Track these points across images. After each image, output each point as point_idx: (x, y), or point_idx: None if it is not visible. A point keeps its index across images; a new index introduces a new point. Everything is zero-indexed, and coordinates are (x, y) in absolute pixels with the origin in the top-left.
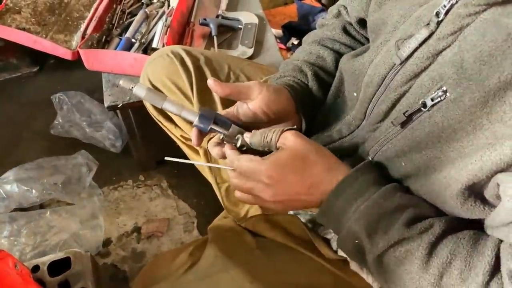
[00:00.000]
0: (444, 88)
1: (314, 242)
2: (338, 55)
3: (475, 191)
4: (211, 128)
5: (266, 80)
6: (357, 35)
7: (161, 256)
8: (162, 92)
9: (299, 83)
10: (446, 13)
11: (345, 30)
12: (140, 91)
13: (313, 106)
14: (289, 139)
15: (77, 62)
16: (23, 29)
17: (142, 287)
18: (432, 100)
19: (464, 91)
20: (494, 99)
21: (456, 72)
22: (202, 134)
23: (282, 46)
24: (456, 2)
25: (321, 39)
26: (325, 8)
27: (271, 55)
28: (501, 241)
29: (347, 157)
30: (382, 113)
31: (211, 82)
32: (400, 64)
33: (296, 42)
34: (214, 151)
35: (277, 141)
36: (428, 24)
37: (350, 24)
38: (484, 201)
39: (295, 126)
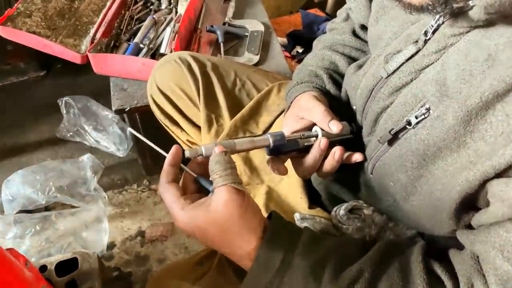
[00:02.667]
0: (427, 106)
1: None
2: (350, 58)
3: (469, 206)
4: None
5: (272, 88)
6: (366, 37)
7: (169, 267)
8: None
9: (317, 87)
10: (434, 32)
11: (354, 33)
12: (209, 150)
13: (335, 106)
14: (220, 199)
15: (83, 67)
16: (34, 32)
17: None
18: (416, 117)
19: (447, 109)
20: (476, 118)
21: (438, 90)
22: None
23: (287, 54)
24: (443, 22)
25: (332, 44)
26: (329, 17)
27: (276, 62)
28: (425, 263)
29: (358, 171)
30: (369, 126)
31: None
32: (386, 77)
33: (300, 50)
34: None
35: (215, 187)
36: (416, 41)
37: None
38: (478, 211)
39: (238, 186)
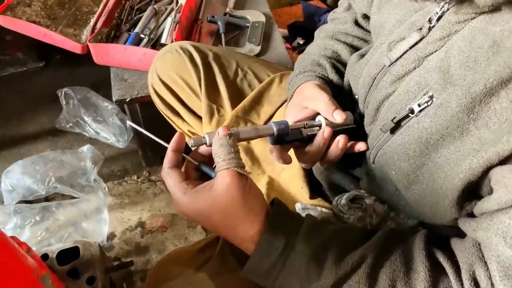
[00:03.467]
0: (430, 94)
1: None
2: (352, 48)
3: (472, 194)
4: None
5: (274, 78)
6: (368, 27)
7: (174, 253)
8: None
9: (320, 76)
10: (438, 19)
11: (356, 23)
12: (213, 137)
13: (338, 95)
14: (223, 183)
15: (82, 58)
16: (33, 22)
17: (156, 284)
18: (419, 105)
19: (450, 97)
20: (480, 105)
21: (442, 77)
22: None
23: (288, 45)
24: (448, 9)
25: (334, 33)
26: (330, 8)
27: (278, 53)
28: (429, 250)
29: (359, 160)
30: (371, 115)
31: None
32: (390, 65)
33: (301, 42)
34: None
35: (218, 171)
36: (420, 29)
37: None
38: (481, 199)
39: (241, 170)
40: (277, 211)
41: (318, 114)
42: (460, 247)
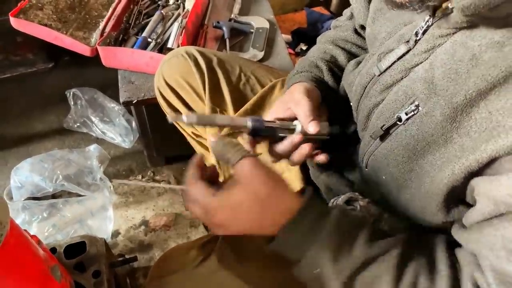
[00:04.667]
0: (416, 103)
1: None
2: (350, 54)
3: (457, 199)
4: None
5: (276, 83)
6: None
7: (175, 248)
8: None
9: (315, 77)
10: (424, 32)
11: (356, 32)
12: (191, 119)
13: (330, 98)
14: (245, 171)
15: (90, 59)
16: (45, 25)
17: (158, 278)
18: (406, 114)
19: (435, 106)
20: (462, 115)
21: (427, 87)
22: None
23: (291, 51)
24: (432, 24)
25: (334, 39)
26: (334, 15)
27: (280, 58)
28: (450, 252)
29: (354, 164)
30: (362, 122)
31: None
32: (379, 75)
33: (304, 48)
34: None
35: (234, 164)
36: (408, 41)
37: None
38: (468, 205)
39: (254, 153)
40: (312, 192)
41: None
42: (462, 254)
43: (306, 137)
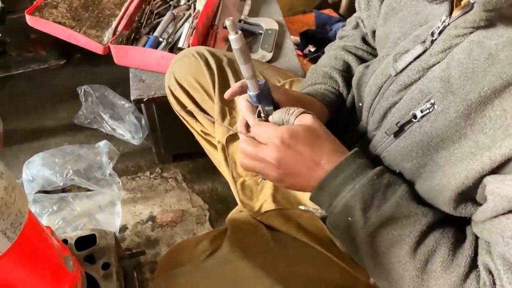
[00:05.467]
0: (432, 101)
1: (331, 235)
2: (362, 60)
3: (466, 196)
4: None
5: (284, 84)
6: (375, 44)
7: (185, 242)
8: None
9: (330, 89)
10: (440, 33)
11: (364, 40)
12: (236, 43)
13: (343, 107)
14: (307, 118)
15: (101, 57)
16: (59, 23)
17: (167, 270)
18: (421, 111)
19: (450, 104)
20: (476, 112)
21: (443, 86)
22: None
23: (299, 52)
24: (448, 24)
25: (345, 46)
26: (342, 18)
27: (289, 60)
28: (477, 237)
29: None
30: (376, 121)
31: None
32: (395, 75)
33: (312, 49)
34: (242, 103)
35: (295, 118)
36: (424, 41)
37: (367, 34)
38: (476, 204)
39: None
40: (359, 150)
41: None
42: (478, 240)
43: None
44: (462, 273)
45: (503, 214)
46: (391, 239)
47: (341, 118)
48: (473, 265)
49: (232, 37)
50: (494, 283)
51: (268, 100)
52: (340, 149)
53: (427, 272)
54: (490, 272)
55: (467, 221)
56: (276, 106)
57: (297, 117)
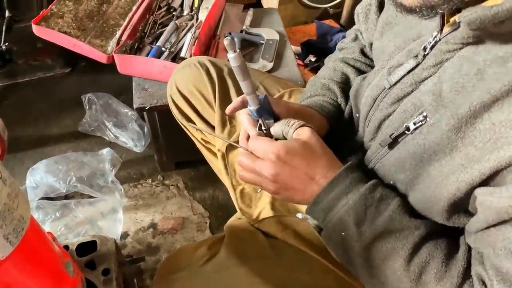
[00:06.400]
0: (424, 114)
1: (325, 243)
2: (360, 72)
3: (459, 207)
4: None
5: (283, 94)
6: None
7: (183, 248)
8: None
9: (329, 101)
10: (432, 48)
11: (363, 52)
12: (235, 61)
13: (342, 119)
14: (305, 132)
15: (106, 66)
16: (65, 32)
17: (166, 275)
18: (414, 124)
19: (441, 117)
20: (466, 125)
21: (435, 99)
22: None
23: (300, 62)
24: (440, 39)
25: (344, 58)
26: (343, 28)
27: (289, 70)
28: (470, 248)
29: None
30: (371, 132)
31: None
32: (389, 88)
33: (313, 59)
34: (243, 118)
35: (294, 132)
36: (416, 56)
37: (366, 46)
38: (468, 214)
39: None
40: (353, 164)
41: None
42: (471, 252)
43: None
44: (455, 283)
45: (493, 225)
46: (385, 252)
47: (340, 129)
48: (466, 275)
49: (231, 55)
50: None
51: (269, 113)
52: (335, 164)
53: (421, 283)
54: (484, 283)
55: (460, 231)
56: (277, 119)
57: (296, 129)
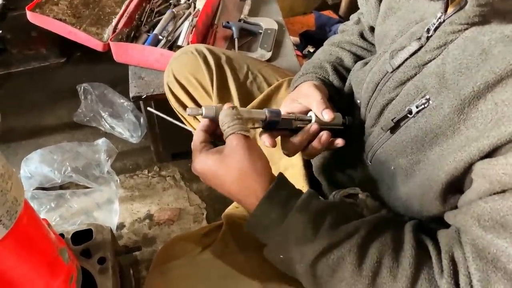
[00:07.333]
0: (427, 97)
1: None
2: (356, 56)
3: (454, 188)
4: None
5: (282, 83)
6: (373, 40)
7: (180, 236)
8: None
9: (320, 78)
10: (435, 30)
11: (361, 35)
12: (210, 112)
13: (335, 97)
14: (232, 144)
15: (101, 55)
16: (60, 19)
17: (162, 263)
18: (417, 107)
19: (444, 99)
20: (469, 107)
21: (438, 82)
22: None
23: (299, 52)
24: (444, 21)
25: (340, 42)
26: (342, 19)
27: (287, 59)
28: (419, 234)
29: (357, 160)
30: (373, 118)
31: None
32: (392, 72)
33: (312, 50)
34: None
35: (227, 137)
36: (419, 38)
37: (365, 29)
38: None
39: (245, 133)
40: (282, 178)
41: (310, 110)
42: (443, 233)
43: (321, 127)
44: (409, 276)
45: (481, 198)
46: (331, 264)
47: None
48: (419, 264)
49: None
50: (456, 273)
51: (277, 121)
52: (261, 183)
53: (377, 285)
54: (454, 263)
55: (404, 221)
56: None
57: (228, 136)
